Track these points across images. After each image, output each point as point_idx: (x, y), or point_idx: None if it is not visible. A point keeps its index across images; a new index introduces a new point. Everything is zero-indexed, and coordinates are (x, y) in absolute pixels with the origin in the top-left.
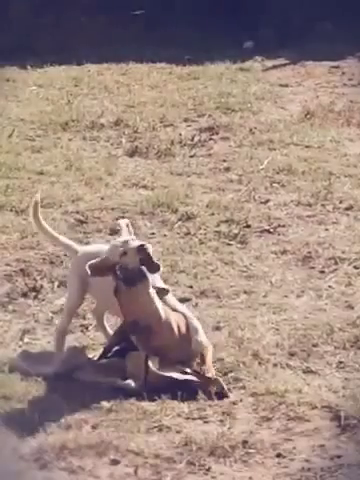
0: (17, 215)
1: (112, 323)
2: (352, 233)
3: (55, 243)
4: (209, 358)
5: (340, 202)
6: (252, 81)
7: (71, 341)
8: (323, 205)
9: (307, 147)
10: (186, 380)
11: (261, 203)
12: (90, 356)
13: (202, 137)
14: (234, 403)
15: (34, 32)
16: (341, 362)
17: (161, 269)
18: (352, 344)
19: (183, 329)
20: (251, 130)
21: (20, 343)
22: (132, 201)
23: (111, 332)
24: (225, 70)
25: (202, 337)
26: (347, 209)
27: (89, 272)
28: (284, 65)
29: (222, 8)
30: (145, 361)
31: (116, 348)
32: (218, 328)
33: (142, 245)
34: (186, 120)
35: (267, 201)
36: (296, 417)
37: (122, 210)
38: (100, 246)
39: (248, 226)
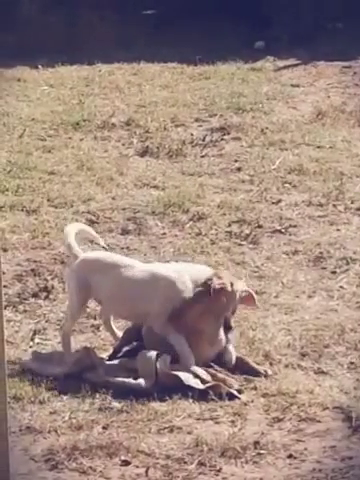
0: (28, 215)
1: (120, 325)
2: None
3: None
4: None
5: (351, 202)
6: (263, 81)
7: (82, 342)
8: (334, 205)
9: (318, 147)
10: (190, 386)
11: (272, 203)
12: (101, 356)
13: (213, 137)
14: (245, 404)
15: (45, 32)
16: (352, 363)
17: None
18: None
19: None
20: (262, 130)
21: (31, 343)
22: (143, 201)
23: (119, 333)
24: (236, 70)
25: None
26: (358, 209)
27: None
28: (296, 65)
29: (233, 8)
30: (155, 361)
31: (126, 348)
32: None
33: None
34: (197, 120)
35: (278, 201)
36: (307, 418)
37: (133, 210)
38: (100, 253)
39: (259, 226)
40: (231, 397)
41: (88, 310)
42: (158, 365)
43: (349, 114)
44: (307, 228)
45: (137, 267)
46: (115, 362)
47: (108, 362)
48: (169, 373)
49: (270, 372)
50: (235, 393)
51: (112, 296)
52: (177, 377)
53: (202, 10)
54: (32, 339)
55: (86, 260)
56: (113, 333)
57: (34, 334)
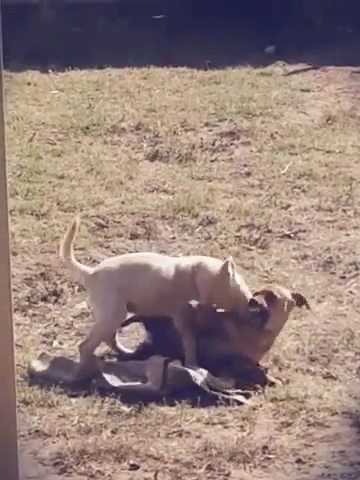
0: (38, 219)
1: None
2: None
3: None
4: None
5: None
6: (273, 86)
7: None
8: (344, 210)
9: (328, 152)
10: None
11: (282, 208)
12: (109, 361)
13: (223, 142)
14: (254, 408)
15: (55, 36)
16: None
17: None
18: None
19: None
20: (272, 135)
21: (47, 347)
22: (153, 205)
23: (122, 348)
24: (246, 75)
25: None
26: None
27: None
28: (305, 70)
29: (244, 13)
30: (164, 366)
31: (128, 351)
32: None
33: None
34: (207, 124)
35: (288, 206)
36: (316, 423)
37: (142, 214)
38: (122, 256)
39: (269, 231)
40: (239, 402)
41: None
42: (169, 364)
43: (359, 119)
44: (316, 233)
45: (169, 261)
46: (123, 367)
47: (117, 365)
48: (179, 369)
49: (280, 383)
50: (240, 399)
51: (149, 294)
52: (187, 374)
53: (212, 15)
54: (51, 343)
55: (113, 266)
56: (115, 345)
57: (53, 338)
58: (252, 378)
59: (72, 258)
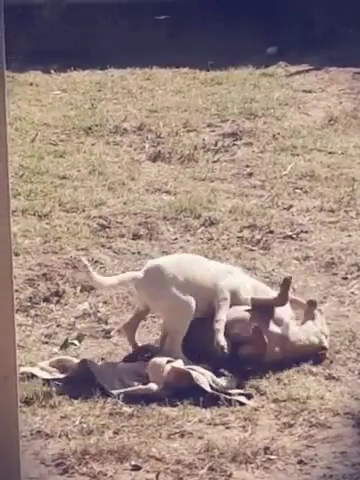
0: (40, 219)
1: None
2: None
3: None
4: None
5: None
6: (275, 87)
7: (93, 346)
8: (346, 211)
9: (330, 153)
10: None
11: (284, 209)
12: (110, 361)
13: (225, 142)
14: (256, 409)
15: (57, 37)
16: None
17: None
18: None
19: None
20: (274, 136)
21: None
22: (155, 206)
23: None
24: (248, 75)
25: None
26: None
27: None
28: (308, 71)
29: (246, 14)
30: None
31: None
32: None
33: None
34: (209, 125)
35: (290, 207)
36: (318, 424)
37: (145, 215)
38: (167, 257)
39: (271, 232)
40: (241, 403)
41: (99, 314)
42: (171, 365)
43: None
44: (318, 234)
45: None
46: (124, 368)
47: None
48: (181, 369)
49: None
50: (242, 400)
51: (200, 292)
52: (188, 374)
53: (214, 16)
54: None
55: (163, 264)
56: (133, 338)
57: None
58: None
59: (111, 280)
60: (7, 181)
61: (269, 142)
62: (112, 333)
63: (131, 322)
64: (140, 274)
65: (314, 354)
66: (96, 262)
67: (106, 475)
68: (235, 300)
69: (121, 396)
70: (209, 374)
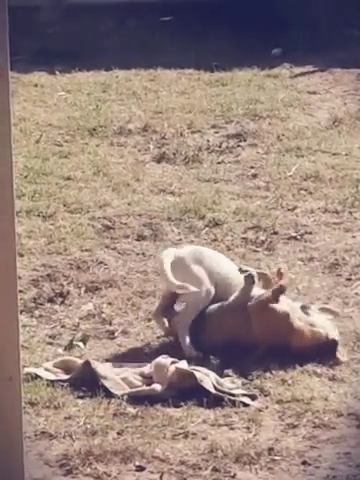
0: (44, 220)
1: None
2: None
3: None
4: None
5: None
6: (280, 88)
7: (97, 347)
8: (350, 212)
9: (334, 154)
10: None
11: (288, 210)
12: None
13: (230, 143)
14: (260, 410)
15: (62, 37)
16: None
17: None
18: None
19: None
20: (279, 137)
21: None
22: (159, 207)
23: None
24: (253, 77)
25: None
26: None
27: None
28: (312, 72)
29: (250, 15)
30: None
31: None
32: None
33: None
34: (214, 126)
35: (294, 208)
36: (322, 424)
37: (149, 216)
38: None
39: (275, 233)
40: (245, 403)
41: (103, 315)
42: (175, 365)
43: None
44: (323, 235)
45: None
46: (128, 369)
47: (124, 366)
48: (185, 370)
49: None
50: (246, 401)
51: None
52: (192, 375)
53: (219, 17)
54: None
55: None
56: (164, 324)
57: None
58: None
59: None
60: (12, 182)
61: (273, 143)
62: (116, 334)
63: (159, 308)
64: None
65: (324, 349)
66: (100, 263)
67: (110, 476)
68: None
69: (125, 397)
70: (213, 375)
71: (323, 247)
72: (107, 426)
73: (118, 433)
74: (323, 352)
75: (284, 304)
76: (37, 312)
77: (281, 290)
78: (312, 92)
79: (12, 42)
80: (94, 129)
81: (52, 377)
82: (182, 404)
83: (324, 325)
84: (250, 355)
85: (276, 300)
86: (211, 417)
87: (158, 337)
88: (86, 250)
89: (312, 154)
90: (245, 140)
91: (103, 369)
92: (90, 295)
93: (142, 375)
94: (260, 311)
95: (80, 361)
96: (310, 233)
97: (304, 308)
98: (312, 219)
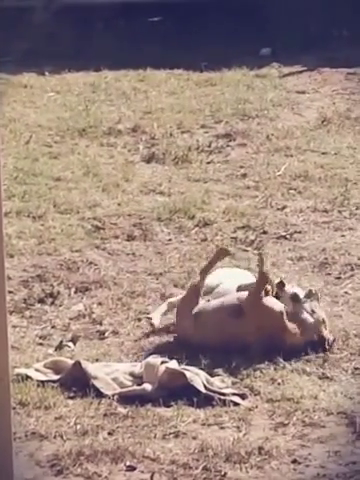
0: (34, 221)
1: None
2: None
3: None
4: None
5: (356, 208)
6: (269, 88)
7: (87, 347)
8: (339, 211)
9: (324, 154)
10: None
11: (278, 209)
12: (105, 363)
13: (219, 143)
14: (250, 409)
15: (52, 38)
16: (357, 368)
17: None
18: None
19: None
20: (268, 137)
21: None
22: (149, 207)
23: None
24: (242, 77)
25: None
26: None
27: None
28: (301, 72)
29: (239, 15)
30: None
31: None
32: None
33: None
34: (203, 126)
35: (284, 207)
36: (312, 423)
37: (139, 216)
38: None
39: (265, 232)
40: (235, 403)
41: (93, 316)
42: (165, 365)
43: (354, 120)
44: (312, 234)
45: None
46: (118, 369)
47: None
48: (175, 370)
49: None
50: (236, 400)
51: None
52: (183, 375)
53: (208, 17)
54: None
55: None
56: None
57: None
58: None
59: None
60: (0, 183)
61: (263, 143)
62: (106, 334)
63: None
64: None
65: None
66: (90, 263)
67: (101, 476)
68: None
69: (115, 397)
70: (203, 374)
71: (312, 246)
72: (98, 426)
73: (109, 433)
74: (314, 348)
75: (277, 302)
76: (27, 313)
77: (264, 279)
78: (301, 92)
79: (1, 43)
80: (84, 130)
81: (42, 377)
82: (172, 404)
83: (315, 322)
84: (244, 352)
85: (261, 290)
86: (201, 416)
87: (148, 337)
88: (76, 250)
89: (301, 154)
90: (234, 140)
91: (93, 369)
92: (80, 295)
93: (132, 375)
94: (254, 307)
95: (70, 361)
96: (299, 232)
97: (295, 298)
98: (301, 218)
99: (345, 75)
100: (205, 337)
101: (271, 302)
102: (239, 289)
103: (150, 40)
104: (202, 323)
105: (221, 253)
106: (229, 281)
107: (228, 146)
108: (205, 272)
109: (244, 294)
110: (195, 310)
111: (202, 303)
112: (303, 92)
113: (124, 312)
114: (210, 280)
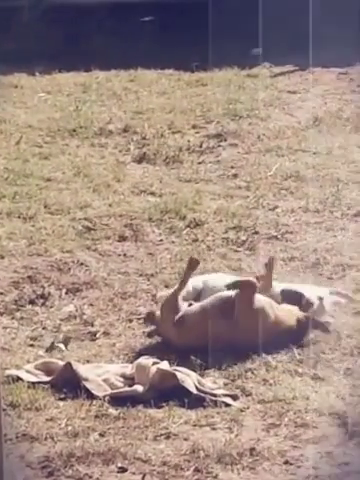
0: (25, 222)
1: None
2: None
3: None
4: None
5: (348, 208)
6: (260, 88)
7: (78, 349)
8: (331, 212)
9: (315, 154)
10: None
11: (269, 210)
12: (96, 364)
13: (210, 144)
14: (242, 410)
15: (42, 39)
16: (349, 369)
17: None
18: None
19: None
20: (259, 137)
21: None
22: (140, 208)
23: None
24: (233, 77)
25: None
26: (355, 215)
27: None
28: (292, 72)
29: (230, 15)
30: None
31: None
32: None
33: None
34: (194, 127)
35: (275, 208)
36: (304, 424)
37: (130, 217)
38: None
39: (256, 233)
40: (227, 404)
41: (85, 317)
42: (156, 366)
43: (346, 120)
44: (303, 234)
45: None
46: (110, 370)
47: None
48: (167, 371)
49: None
50: (228, 401)
51: None
52: (174, 376)
53: (199, 18)
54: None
55: None
56: None
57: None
58: None
59: None
60: None
61: (254, 143)
62: (98, 335)
63: None
64: None
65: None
66: (81, 264)
67: (92, 477)
68: None
69: (107, 398)
70: (194, 375)
71: (304, 246)
72: (89, 428)
73: (100, 434)
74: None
75: (262, 300)
76: (18, 314)
77: (250, 285)
78: (292, 92)
79: None
80: (74, 130)
81: (33, 379)
82: (164, 405)
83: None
84: (235, 353)
85: (252, 294)
86: (193, 418)
87: (139, 338)
88: (67, 251)
89: (292, 154)
90: (225, 140)
91: (84, 370)
92: (71, 296)
93: (124, 376)
94: (244, 309)
95: (61, 363)
96: (291, 233)
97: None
98: (293, 218)
99: (336, 75)
100: (190, 341)
101: (260, 300)
102: (228, 287)
103: (141, 40)
104: (187, 328)
105: (192, 262)
106: (212, 284)
107: (219, 146)
108: (183, 283)
109: (231, 294)
110: (177, 317)
111: (184, 308)
112: (294, 92)
113: (115, 313)
114: (194, 283)
